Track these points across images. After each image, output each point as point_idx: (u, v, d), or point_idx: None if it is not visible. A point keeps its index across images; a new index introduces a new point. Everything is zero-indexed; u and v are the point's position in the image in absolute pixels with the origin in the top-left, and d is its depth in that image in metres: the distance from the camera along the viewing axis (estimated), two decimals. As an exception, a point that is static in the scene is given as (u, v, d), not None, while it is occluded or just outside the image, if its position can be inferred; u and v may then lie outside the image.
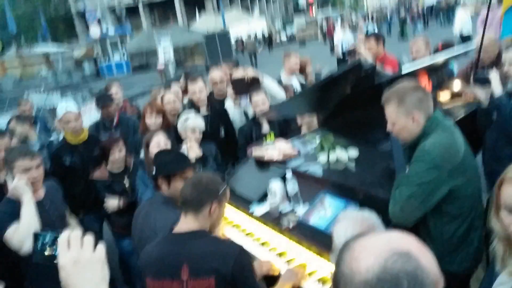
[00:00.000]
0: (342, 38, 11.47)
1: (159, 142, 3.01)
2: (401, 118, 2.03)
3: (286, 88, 4.22)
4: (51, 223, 2.54)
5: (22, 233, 2.35)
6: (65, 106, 3.66)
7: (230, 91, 4.15)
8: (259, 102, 3.64)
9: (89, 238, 1.02)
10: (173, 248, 1.76)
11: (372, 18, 29.69)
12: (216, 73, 4.44)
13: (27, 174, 2.51)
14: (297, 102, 3.14)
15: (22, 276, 2.65)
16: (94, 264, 0.99)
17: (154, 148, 2.98)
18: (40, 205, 2.57)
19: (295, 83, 4.69)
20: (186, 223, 1.81)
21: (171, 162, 2.32)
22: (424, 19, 26.03)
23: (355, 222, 1.58)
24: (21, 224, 2.38)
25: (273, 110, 3.59)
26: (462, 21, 10.27)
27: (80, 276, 0.97)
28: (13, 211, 2.43)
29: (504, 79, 3.09)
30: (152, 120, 3.66)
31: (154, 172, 2.35)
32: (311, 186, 2.61)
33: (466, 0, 31.71)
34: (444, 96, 3.78)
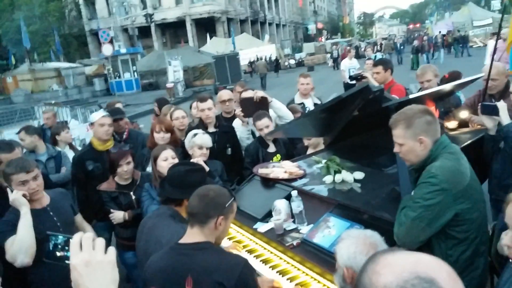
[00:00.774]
0: (349, 64, 11.63)
1: (167, 157, 3.05)
2: (409, 140, 2.06)
3: (293, 109, 4.28)
4: (56, 229, 2.58)
5: (16, 247, 2.44)
6: (101, 113, 3.91)
7: (238, 110, 4.20)
8: (262, 126, 3.70)
9: (101, 241, 1.05)
10: (178, 259, 1.77)
11: (381, 46, 30.00)
12: (225, 92, 4.53)
13: (25, 187, 2.60)
14: (305, 123, 3.18)
15: (27, 282, 2.69)
16: (105, 266, 1.02)
17: (162, 162, 3.01)
18: (45, 212, 2.67)
19: (310, 104, 4.77)
20: (192, 235, 1.82)
21: (200, 182, 2.24)
22: (434, 49, 25.80)
23: (357, 240, 1.58)
24: (17, 238, 2.47)
25: (280, 130, 3.63)
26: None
27: (91, 277, 0.99)
28: (16, 221, 2.53)
29: (510, 109, 3.12)
30: (161, 136, 3.71)
31: (181, 194, 2.30)
32: (315, 206, 2.62)
33: (476, 31, 32.18)
34: (451, 124, 3.80)
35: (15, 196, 2.55)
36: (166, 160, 3.03)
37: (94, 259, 1.01)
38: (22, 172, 2.59)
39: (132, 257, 3.12)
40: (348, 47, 22.64)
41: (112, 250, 1.06)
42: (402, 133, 2.07)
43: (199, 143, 3.36)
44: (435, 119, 2.12)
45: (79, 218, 3.09)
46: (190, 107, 4.92)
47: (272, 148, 3.82)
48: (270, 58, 33.20)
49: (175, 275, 1.73)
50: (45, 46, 35.48)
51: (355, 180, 2.84)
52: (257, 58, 29.80)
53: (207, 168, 3.19)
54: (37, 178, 2.67)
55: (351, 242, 1.60)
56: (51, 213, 2.72)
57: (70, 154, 4.59)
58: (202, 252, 1.76)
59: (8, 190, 2.64)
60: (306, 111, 4.56)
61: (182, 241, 1.84)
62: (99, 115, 3.87)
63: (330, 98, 3.06)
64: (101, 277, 1.00)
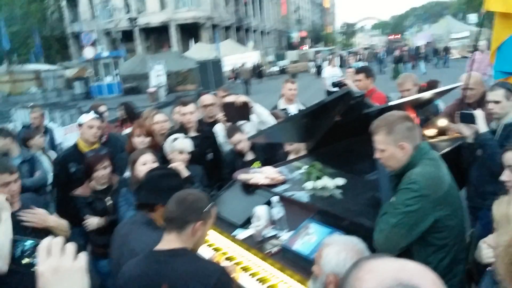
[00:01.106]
0: (332, 72, 11.75)
1: (146, 161, 2.97)
2: (390, 146, 2.06)
3: (276, 115, 4.26)
4: (27, 234, 2.47)
5: None
6: (91, 115, 3.88)
7: (220, 115, 4.16)
8: (236, 141, 3.72)
9: (71, 246, 0.99)
10: (154, 267, 1.71)
11: (363, 55, 30.50)
12: (207, 96, 4.49)
13: (6, 189, 2.50)
14: (286, 127, 3.17)
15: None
16: (74, 273, 0.96)
17: (140, 167, 2.94)
18: (13, 217, 2.52)
19: (294, 110, 4.77)
20: (168, 241, 1.76)
21: (177, 188, 2.11)
22: (415, 60, 26.36)
23: (346, 247, 1.54)
24: None
25: (262, 134, 3.61)
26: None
27: (58, 284, 0.94)
28: None
29: (488, 117, 3.18)
30: (140, 140, 3.63)
31: (154, 199, 2.25)
32: (296, 212, 2.59)
33: (454, 43, 33.09)
34: (429, 132, 3.85)
35: None
36: (145, 164, 2.94)
37: (62, 266, 0.95)
38: (6, 173, 2.49)
39: (107, 265, 3.02)
40: (331, 56, 22.93)
41: (83, 256, 1.00)
42: (383, 139, 2.07)
43: (180, 148, 3.30)
44: (415, 125, 2.13)
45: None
46: (171, 112, 4.86)
47: (249, 156, 3.79)
48: (253, 65, 33.39)
49: (150, 283, 1.67)
50: (25, 48, 34.78)
51: (336, 187, 2.83)
52: (242, 64, 29.96)
53: (187, 173, 3.13)
54: (18, 181, 2.59)
55: (340, 248, 1.55)
56: (21, 217, 2.55)
57: (43, 159, 4.53)
58: (179, 259, 1.70)
59: None
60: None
61: (158, 247, 1.78)
62: (89, 117, 3.84)
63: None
64: (70, 285, 0.95)
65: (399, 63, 23.05)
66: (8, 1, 35.34)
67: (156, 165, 2.97)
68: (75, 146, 3.86)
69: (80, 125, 3.92)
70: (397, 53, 24.70)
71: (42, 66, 30.25)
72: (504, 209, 1.21)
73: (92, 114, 3.93)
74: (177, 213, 1.76)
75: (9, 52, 28.50)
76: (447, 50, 28.88)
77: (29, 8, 35.57)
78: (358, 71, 4.75)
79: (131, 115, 5.19)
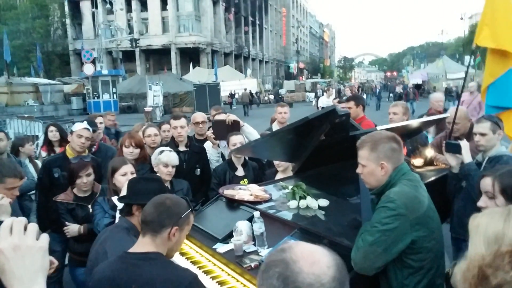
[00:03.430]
0: (326, 102, 12.00)
1: (127, 172, 2.95)
2: (371, 163, 2.09)
3: (264, 135, 4.30)
4: None
5: None
6: (84, 124, 3.86)
7: (209, 132, 4.19)
8: (236, 143, 3.68)
9: (33, 226, 1.00)
10: (124, 269, 1.68)
11: (358, 89, 30.98)
12: (199, 114, 4.54)
13: (10, 192, 2.50)
14: (272, 142, 3.18)
15: None
16: (35, 252, 0.96)
17: (119, 177, 2.93)
18: None
19: None
20: (143, 244, 1.74)
21: (154, 192, 2.14)
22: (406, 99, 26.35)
23: None
24: None
25: (248, 148, 3.62)
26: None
27: (18, 262, 0.93)
28: None
29: (475, 150, 3.22)
30: (129, 151, 3.63)
31: (128, 199, 2.26)
32: (277, 229, 2.58)
33: (448, 83, 33.71)
34: (417, 161, 3.89)
35: (2, 203, 2.37)
36: (125, 175, 2.92)
37: (23, 244, 0.95)
38: (16, 178, 2.53)
39: (83, 274, 2.96)
40: (327, 87, 23.21)
41: (45, 236, 1.00)
42: (366, 154, 2.10)
43: (165, 161, 3.30)
44: (400, 147, 2.16)
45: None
46: (160, 128, 4.86)
47: (240, 172, 3.79)
48: (250, 91, 33.89)
49: (118, 284, 1.64)
50: (26, 61, 35.07)
51: (320, 207, 2.83)
52: (245, 89, 30.48)
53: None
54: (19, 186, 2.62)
55: None
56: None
57: (29, 166, 4.56)
58: (150, 263, 1.67)
59: None
60: None
61: (131, 250, 1.75)
62: (80, 126, 3.83)
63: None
64: (30, 263, 0.94)
65: (400, 99, 23.04)
66: (13, 15, 35.92)
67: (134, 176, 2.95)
68: (63, 152, 3.86)
69: (71, 132, 3.92)
70: (398, 89, 24.37)
71: (41, 80, 30.41)
72: (476, 221, 1.22)
73: (84, 124, 3.93)
74: (154, 216, 1.74)
75: (9, 65, 28.71)
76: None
77: (33, 23, 36.08)
78: (348, 99, 4.84)
79: (64, 136, 4.85)
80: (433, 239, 2.03)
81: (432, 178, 3.39)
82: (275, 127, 5.01)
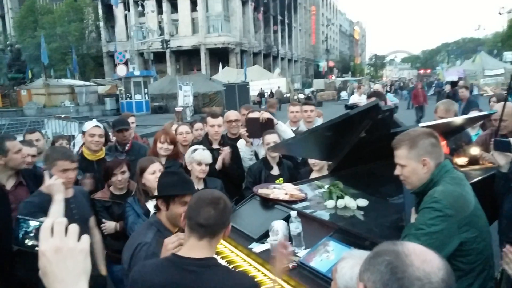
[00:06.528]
0: (358, 99, 11.71)
1: (155, 170, 2.93)
2: (412, 161, 1.97)
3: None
4: (73, 222, 2.50)
5: None
6: (94, 122, 3.89)
7: (242, 130, 4.15)
8: (270, 142, 3.61)
9: (74, 227, 0.96)
10: (183, 276, 1.58)
11: (391, 87, 30.24)
12: (232, 112, 4.51)
13: (65, 174, 2.70)
14: (309, 140, 3.08)
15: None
16: (76, 254, 0.93)
17: (149, 176, 2.92)
18: (66, 203, 2.69)
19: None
20: (198, 249, 1.63)
21: (174, 185, 2.20)
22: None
23: (361, 261, 1.45)
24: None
25: (283, 145, 3.54)
26: None
27: (60, 265, 0.90)
28: (40, 203, 2.59)
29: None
30: (164, 147, 3.64)
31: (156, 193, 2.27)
32: (315, 230, 2.49)
33: (488, 80, 32.33)
34: (460, 160, 3.70)
35: (55, 182, 2.58)
36: (154, 173, 2.90)
37: (65, 246, 0.92)
38: (68, 160, 2.72)
39: (120, 270, 2.98)
40: (359, 84, 22.69)
41: (86, 238, 0.97)
42: (405, 153, 1.98)
43: (198, 159, 3.27)
44: (439, 142, 2.04)
45: (92, 221, 3.05)
46: (192, 127, 4.87)
47: (276, 171, 3.72)
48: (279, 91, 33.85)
49: None
50: (62, 64, 36.38)
51: (358, 207, 2.72)
52: (278, 87, 30.28)
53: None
54: (75, 170, 2.81)
55: (355, 262, 1.46)
56: (71, 206, 2.76)
57: None
58: (210, 270, 1.59)
59: (46, 174, 2.67)
60: None
61: (184, 254, 1.64)
62: (90, 125, 3.81)
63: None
64: (72, 265, 0.91)
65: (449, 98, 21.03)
66: (50, 19, 37.32)
67: None
68: (81, 154, 3.85)
69: (83, 133, 3.91)
70: (447, 88, 19.78)
71: (77, 82, 31.49)
72: None
73: (94, 122, 3.88)
74: (216, 219, 1.62)
75: (47, 67, 29.86)
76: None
77: (69, 27, 37.34)
78: (370, 95, 4.67)
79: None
80: (483, 240, 1.89)
81: (478, 178, 3.20)
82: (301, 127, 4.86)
